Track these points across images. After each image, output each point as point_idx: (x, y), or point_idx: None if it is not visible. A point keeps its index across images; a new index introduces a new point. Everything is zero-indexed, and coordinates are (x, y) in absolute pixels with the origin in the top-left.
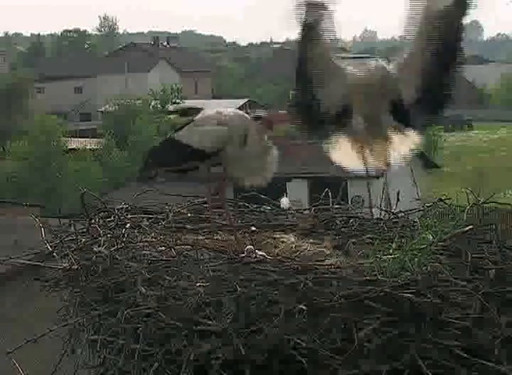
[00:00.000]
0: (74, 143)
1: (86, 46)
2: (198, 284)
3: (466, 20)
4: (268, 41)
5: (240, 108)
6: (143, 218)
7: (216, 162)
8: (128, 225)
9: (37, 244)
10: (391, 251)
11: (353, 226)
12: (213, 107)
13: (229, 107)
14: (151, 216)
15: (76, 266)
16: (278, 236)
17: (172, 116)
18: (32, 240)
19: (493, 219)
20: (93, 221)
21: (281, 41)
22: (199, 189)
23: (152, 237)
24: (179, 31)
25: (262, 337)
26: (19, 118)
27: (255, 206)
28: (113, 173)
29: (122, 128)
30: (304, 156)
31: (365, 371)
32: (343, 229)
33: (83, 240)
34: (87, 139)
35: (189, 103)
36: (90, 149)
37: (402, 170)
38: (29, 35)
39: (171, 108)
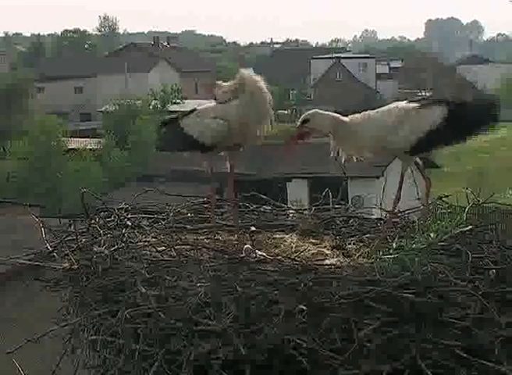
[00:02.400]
0: (74, 143)
1: (86, 46)
2: (198, 284)
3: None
4: (268, 41)
5: None
6: (143, 218)
7: (217, 154)
8: (128, 225)
9: (37, 244)
10: (391, 251)
11: (353, 226)
12: None
13: None
14: (151, 216)
15: (76, 266)
16: (278, 236)
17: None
18: (32, 240)
19: (493, 219)
20: (93, 221)
21: (281, 41)
22: (199, 189)
23: (152, 237)
24: (179, 31)
25: (262, 337)
26: (20, 118)
27: (255, 206)
28: (113, 173)
29: (122, 128)
30: (303, 156)
31: (365, 371)
32: (342, 229)
33: (83, 240)
34: (87, 139)
35: (189, 103)
36: (90, 149)
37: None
38: (29, 35)
39: (171, 108)
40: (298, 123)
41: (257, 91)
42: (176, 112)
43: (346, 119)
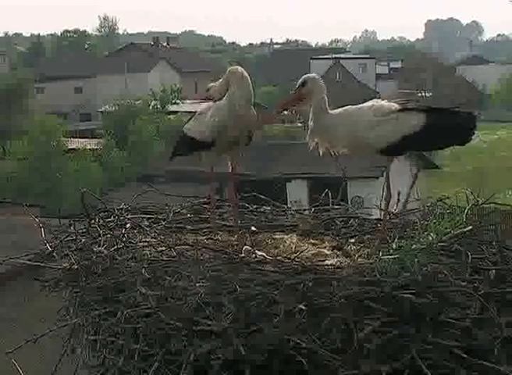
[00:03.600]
0: (74, 143)
1: (86, 46)
2: (198, 284)
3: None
4: (268, 41)
5: None
6: (143, 218)
7: (220, 154)
8: (128, 225)
9: (37, 245)
10: (391, 251)
11: (352, 226)
12: None
13: None
14: (151, 216)
15: (76, 266)
16: (278, 236)
17: (171, 117)
18: (32, 240)
19: (493, 219)
20: (93, 221)
21: (281, 41)
22: (199, 189)
23: (152, 238)
24: (178, 31)
25: (262, 337)
26: (19, 118)
27: (255, 206)
28: (113, 174)
29: (122, 128)
30: (303, 157)
31: (365, 371)
32: (342, 229)
33: (83, 240)
34: (87, 139)
35: (189, 103)
36: (90, 149)
37: (402, 170)
38: (29, 35)
39: (171, 108)
40: (296, 86)
41: (240, 74)
42: (175, 112)
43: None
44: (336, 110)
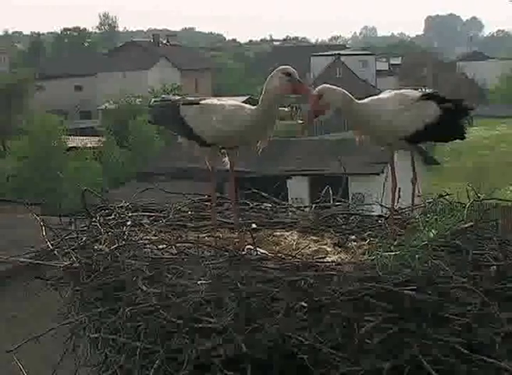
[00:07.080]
0: (74, 141)
1: (86, 44)
2: (199, 282)
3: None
4: (268, 38)
5: None
6: (144, 216)
7: (218, 150)
8: (129, 223)
9: (38, 243)
10: (392, 247)
11: (353, 223)
12: None
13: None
14: (151, 213)
15: (77, 264)
16: (279, 233)
17: None
18: (33, 238)
19: (494, 215)
20: (93, 219)
21: (280, 38)
22: (199, 187)
23: (153, 235)
24: (178, 29)
25: (263, 334)
26: (20, 117)
27: (256, 204)
28: (113, 172)
29: (122, 126)
30: (304, 153)
31: (366, 368)
32: (343, 226)
33: (84, 238)
34: (87, 137)
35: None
36: (90, 147)
37: (402, 166)
38: (29, 34)
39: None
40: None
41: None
42: None
43: (355, 99)
44: (362, 100)
